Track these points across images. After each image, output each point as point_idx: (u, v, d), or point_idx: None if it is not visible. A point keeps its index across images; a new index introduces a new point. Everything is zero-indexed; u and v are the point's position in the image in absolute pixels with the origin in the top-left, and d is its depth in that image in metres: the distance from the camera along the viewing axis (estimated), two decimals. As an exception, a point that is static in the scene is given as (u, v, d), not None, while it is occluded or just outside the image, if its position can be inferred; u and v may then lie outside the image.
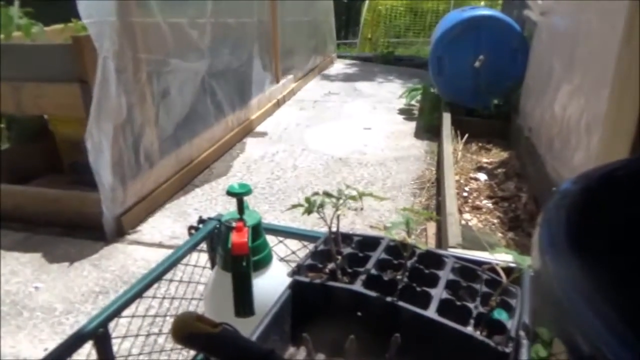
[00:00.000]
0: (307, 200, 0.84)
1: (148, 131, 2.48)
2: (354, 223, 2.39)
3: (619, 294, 0.47)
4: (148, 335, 1.19)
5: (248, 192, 0.91)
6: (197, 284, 1.17)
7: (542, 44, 3.08)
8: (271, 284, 0.92)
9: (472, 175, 2.89)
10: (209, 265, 1.15)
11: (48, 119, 2.75)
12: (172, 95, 2.68)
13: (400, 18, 7.70)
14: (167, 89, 2.63)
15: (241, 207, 0.93)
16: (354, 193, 0.86)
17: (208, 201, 2.65)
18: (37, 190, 2.45)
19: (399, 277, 0.80)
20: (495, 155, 3.27)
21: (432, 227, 2.37)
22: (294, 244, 1.12)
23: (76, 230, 2.31)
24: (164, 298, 1.13)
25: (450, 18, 3.86)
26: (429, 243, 2.24)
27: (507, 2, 4.66)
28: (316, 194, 0.85)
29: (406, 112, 4.40)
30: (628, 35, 1.00)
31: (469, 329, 0.71)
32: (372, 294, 0.76)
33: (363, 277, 0.80)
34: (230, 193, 0.91)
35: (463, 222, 2.33)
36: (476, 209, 2.49)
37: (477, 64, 3.53)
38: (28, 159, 2.73)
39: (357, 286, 0.78)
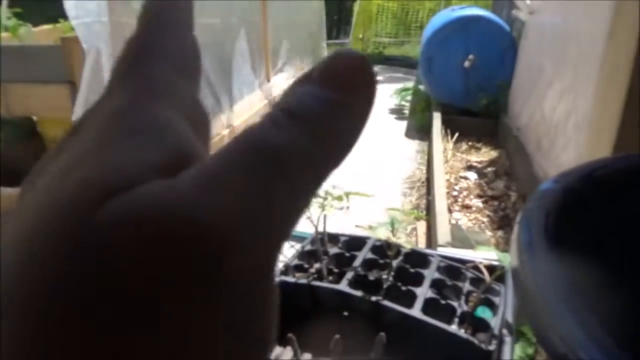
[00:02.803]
0: (293, 200, 0.84)
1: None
2: (343, 223, 2.39)
3: (595, 293, 0.48)
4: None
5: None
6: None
7: (531, 43, 3.10)
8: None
9: (462, 174, 2.91)
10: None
11: (37, 120, 2.73)
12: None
13: (391, 18, 7.71)
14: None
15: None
16: (341, 193, 0.86)
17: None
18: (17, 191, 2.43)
19: (384, 276, 0.81)
20: (485, 155, 3.28)
21: (422, 227, 2.38)
22: (282, 244, 1.12)
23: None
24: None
25: (440, 18, 3.88)
26: (420, 242, 2.25)
27: (496, 2, 4.68)
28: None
29: (397, 112, 4.41)
30: (611, 35, 1.02)
31: (453, 327, 0.72)
32: (358, 293, 0.77)
33: (349, 276, 0.81)
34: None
35: (453, 221, 2.35)
36: (466, 207, 2.51)
37: (466, 63, 3.54)
38: (17, 161, 2.71)
39: (343, 286, 0.78)
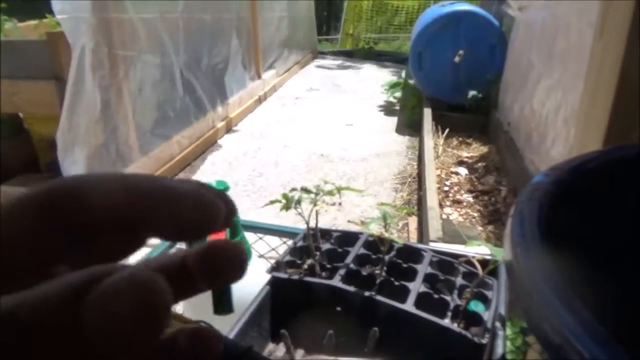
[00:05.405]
0: (285, 196, 0.84)
1: (126, 128, 2.44)
2: (336, 219, 2.40)
3: (588, 284, 0.48)
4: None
5: (226, 189, 0.91)
6: (177, 282, 1.15)
7: (520, 39, 3.12)
8: (250, 281, 0.91)
9: (452, 169, 2.92)
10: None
11: (23, 117, 2.69)
12: (151, 92, 2.65)
13: (381, 14, 7.71)
14: (144, 86, 2.60)
15: (219, 204, 0.93)
16: (332, 188, 0.86)
17: (189, 199, 2.62)
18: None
19: (377, 271, 0.81)
20: (475, 150, 3.30)
21: (413, 222, 2.39)
22: (274, 240, 1.12)
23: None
24: (143, 297, 1.12)
25: (430, 13, 3.88)
26: (411, 237, 2.26)
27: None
28: (294, 189, 0.85)
29: (387, 108, 4.42)
30: (600, 30, 1.02)
31: (446, 322, 0.72)
32: (351, 288, 0.77)
33: (342, 272, 0.80)
34: (207, 190, 0.90)
35: (444, 216, 2.36)
36: (457, 202, 2.52)
37: (457, 59, 3.55)
38: (3, 158, 2.67)
39: (336, 281, 0.78)
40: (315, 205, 0.83)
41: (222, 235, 0.87)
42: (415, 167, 3.06)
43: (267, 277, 0.82)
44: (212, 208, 0.18)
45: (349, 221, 2.36)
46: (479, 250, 0.82)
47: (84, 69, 2.08)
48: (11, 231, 0.16)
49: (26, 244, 0.16)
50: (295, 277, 0.81)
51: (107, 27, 2.23)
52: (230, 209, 0.19)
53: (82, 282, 0.14)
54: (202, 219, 0.17)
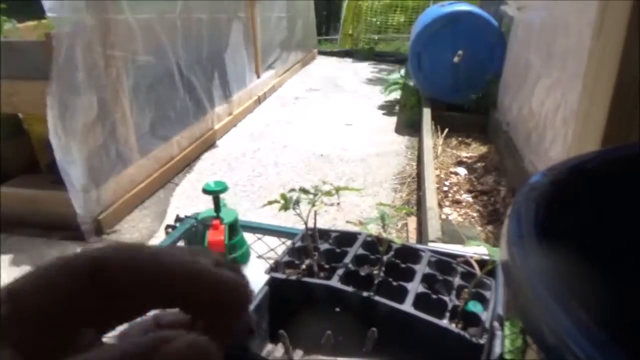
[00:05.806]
0: (283, 196, 0.84)
1: (125, 129, 2.44)
2: (335, 219, 2.40)
3: (585, 285, 0.48)
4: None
5: (224, 189, 0.91)
6: (176, 282, 1.15)
7: (519, 39, 3.12)
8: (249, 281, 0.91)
9: (452, 169, 2.92)
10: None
11: (23, 117, 2.69)
12: (150, 93, 2.65)
13: (381, 14, 7.71)
14: (143, 87, 2.60)
15: (217, 205, 0.93)
16: (331, 188, 0.86)
17: (189, 199, 2.62)
18: (13, 190, 2.40)
19: (375, 272, 0.81)
20: (474, 150, 3.30)
21: (413, 222, 2.39)
22: (272, 241, 1.12)
23: (54, 230, 2.27)
24: (141, 298, 1.12)
25: (430, 14, 3.88)
26: (410, 237, 2.26)
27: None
28: (293, 190, 0.85)
29: (387, 108, 4.42)
30: (599, 30, 1.02)
31: (444, 322, 0.72)
32: (349, 289, 0.77)
33: (340, 272, 0.80)
34: (206, 191, 0.91)
35: (443, 216, 2.36)
36: (456, 203, 2.52)
37: (456, 59, 3.55)
38: (3, 158, 2.67)
39: (334, 282, 0.78)
40: (313, 205, 0.83)
41: (221, 235, 0.87)
42: (415, 167, 3.06)
43: (266, 277, 0.82)
44: (240, 294, 0.21)
45: (347, 221, 2.35)
46: (477, 250, 0.82)
47: (76, 68, 2.08)
48: (60, 294, 0.18)
49: (72, 306, 0.18)
50: (294, 277, 0.81)
51: (101, 27, 2.23)
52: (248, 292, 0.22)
53: (147, 347, 0.15)
54: (230, 305, 0.20)
